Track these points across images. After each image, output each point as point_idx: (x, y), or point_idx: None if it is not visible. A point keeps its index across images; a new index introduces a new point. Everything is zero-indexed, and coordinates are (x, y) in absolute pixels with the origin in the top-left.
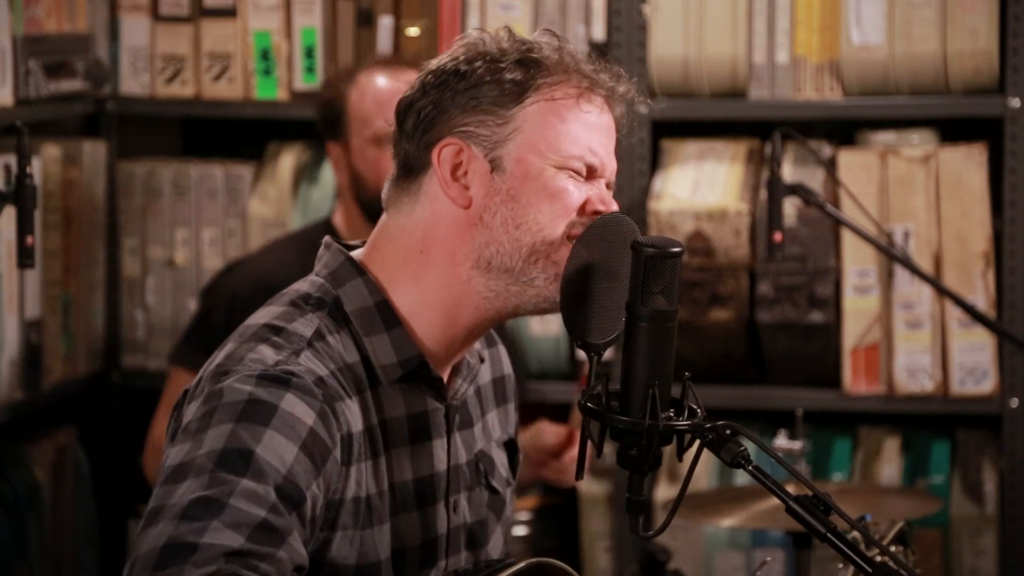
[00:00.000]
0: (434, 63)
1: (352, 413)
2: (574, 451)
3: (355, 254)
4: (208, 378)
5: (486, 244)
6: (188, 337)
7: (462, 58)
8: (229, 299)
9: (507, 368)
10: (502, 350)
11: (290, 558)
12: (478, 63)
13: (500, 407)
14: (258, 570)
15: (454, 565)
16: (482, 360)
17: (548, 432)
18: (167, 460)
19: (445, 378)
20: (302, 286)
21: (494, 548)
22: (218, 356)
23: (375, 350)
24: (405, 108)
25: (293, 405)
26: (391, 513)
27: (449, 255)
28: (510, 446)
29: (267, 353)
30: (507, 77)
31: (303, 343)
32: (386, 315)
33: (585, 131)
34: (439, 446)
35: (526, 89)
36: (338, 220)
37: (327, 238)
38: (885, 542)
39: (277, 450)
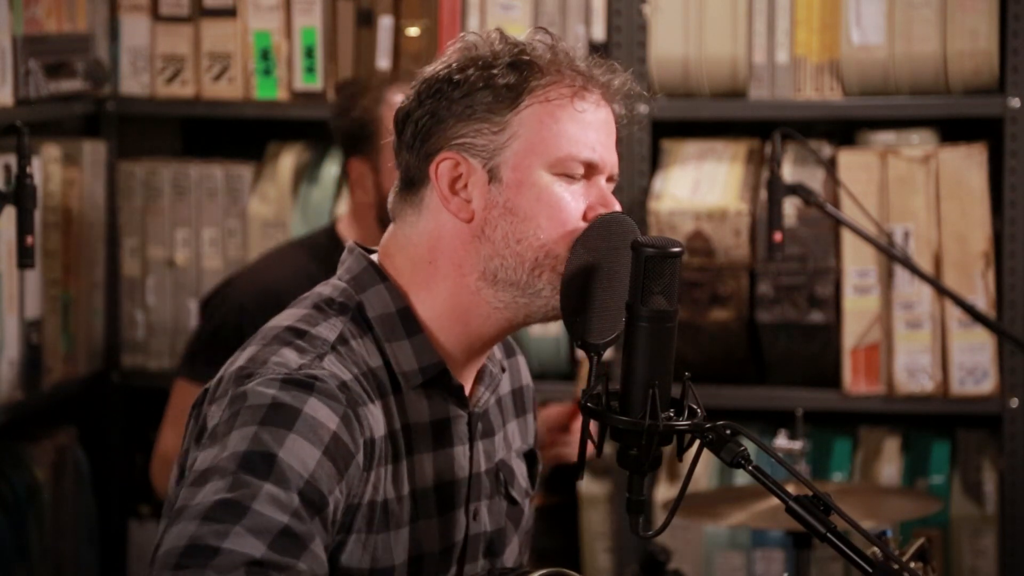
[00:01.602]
0: (428, 71)
1: (375, 418)
2: (575, 426)
3: (374, 259)
4: (231, 380)
5: (490, 257)
6: (196, 351)
7: (455, 65)
8: (238, 312)
9: (526, 379)
10: (521, 360)
11: (310, 569)
12: (471, 70)
13: (520, 418)
14: None
15: (470, 572)
16: (503, 370)
17: (553, 411)
18: (194, 464)
19: (468, 386)
20: (324, 290)
21: (510, 558)
22: (240, 358)
23: (396, 356)
24: (402, 119)
25: (316, 409)
26: (410, 519)
27: (456, 266)
28: (530, 456)
29: (291, 357)
30: (500, 82)
31: (327, 347)
32: (408, 322)
33: (582, 129)
34: (461, 453)
35: (520, 93)
36: (343, 230)
37: (351, 242)
38: (905, 557)
39: (300, 455)
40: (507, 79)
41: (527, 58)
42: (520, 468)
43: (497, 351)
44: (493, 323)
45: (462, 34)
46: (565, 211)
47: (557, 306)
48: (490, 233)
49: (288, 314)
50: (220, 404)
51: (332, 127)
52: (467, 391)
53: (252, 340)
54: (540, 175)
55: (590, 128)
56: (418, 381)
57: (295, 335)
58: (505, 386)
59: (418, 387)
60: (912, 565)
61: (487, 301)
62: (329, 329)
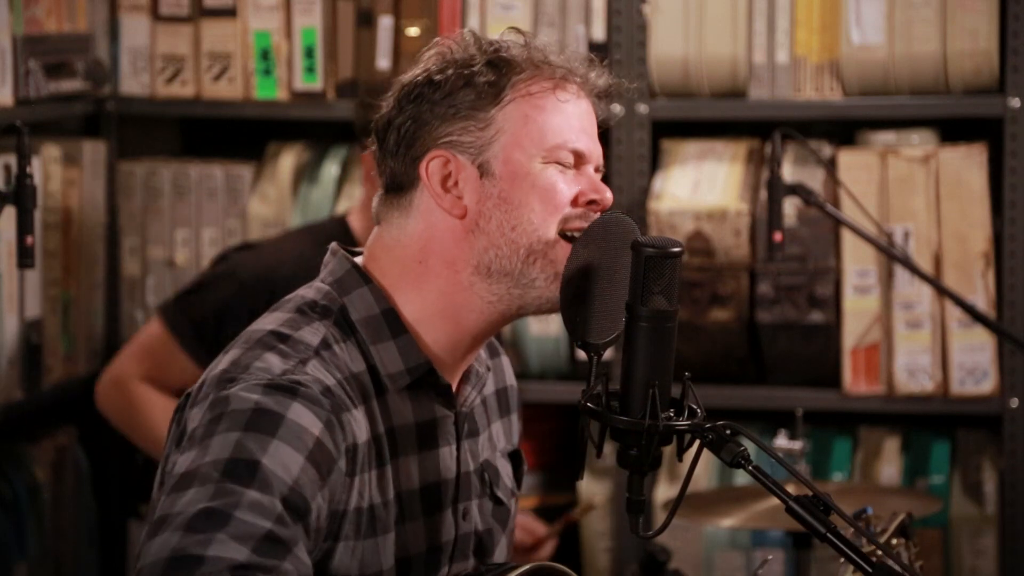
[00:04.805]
0: (406, 78)
1: (358, 423)
2: (541, 553)
3: (357, 261)
4: (212, 384)
5: (484, 249)
6: (181, 297)
7: (433, 68)
8: (231, 283)
9: (510, 379)
10: (505, 361)
11: (296, 570)
12: (450, 71)
13: (504, 418)
14: None
15: (458, 570)
16: (488, 369)
17: (521, 530)
18: (173, 468)
19: (454, 385)
20: (308, 292)
21: (500, 557)
22: (222, 361)
23: (382, 358)
24: (384, 126)
25: (300, 415)
26: (396, 521)
27: (448, 264)
28: (515, 457)
29: (274, 361)
30: (481, 80)
31: (310, 352)
32: (392, 323)
33: (566, 120)
34: (447, 454)
35: (502, 88)
36: (355, 222)
37: (333, 244)
38: (887, 535)
39: (283, 460)
40: (487, 76)
41: (504, 56)
42: (505, 468)
43: (482, 351)
44: (485, 318)
45: (436, 39)
46: (558, 195)
47: (550, 297)
48: (484, 225)
49: (271, 318)
50: (201, 407)
51: (354, 116)
52: (454, 391)
53: (234, 343)
54: (533, 165)
55: (573, 118)
56: (405, 382)
57: (278, 339)
58: (490, 386)
59: (403, 389)
60: (894, 541)
61: (480, 296)
62: (312, 333)
